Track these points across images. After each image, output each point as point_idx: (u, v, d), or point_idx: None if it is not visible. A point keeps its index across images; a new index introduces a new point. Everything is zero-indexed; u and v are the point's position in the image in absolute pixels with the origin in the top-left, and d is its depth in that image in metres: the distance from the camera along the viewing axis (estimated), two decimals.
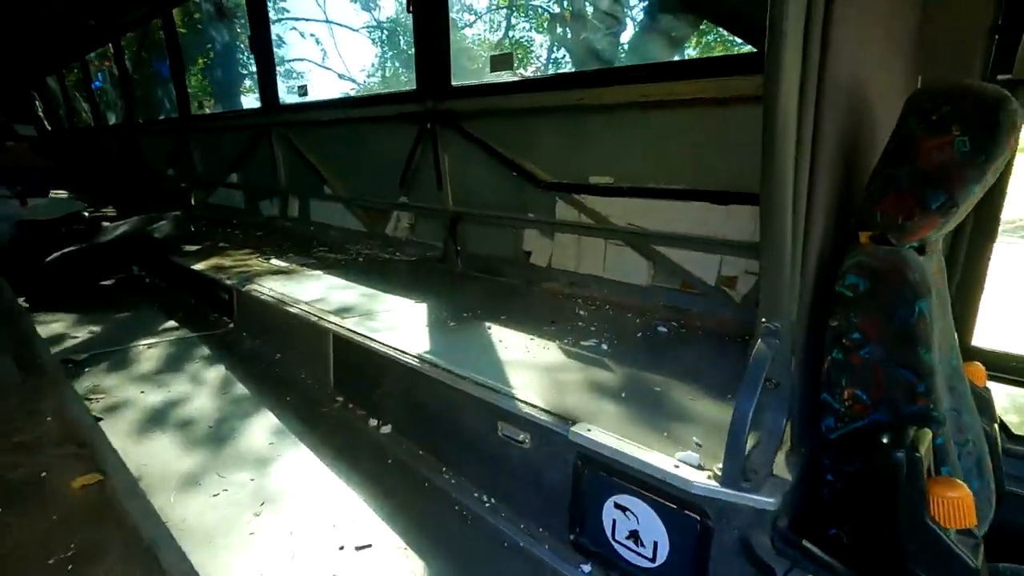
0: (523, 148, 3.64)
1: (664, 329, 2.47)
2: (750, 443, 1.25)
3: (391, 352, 2.05)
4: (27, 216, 4.34)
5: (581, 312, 2.71)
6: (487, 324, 2.42)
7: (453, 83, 3.99)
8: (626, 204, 3.11)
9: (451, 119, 3.97)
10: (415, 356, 2.00)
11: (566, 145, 3.40)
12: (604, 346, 2.18)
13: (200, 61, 13.95)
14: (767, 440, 1.30)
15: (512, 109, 3.59)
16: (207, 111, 9.93)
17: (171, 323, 3.08)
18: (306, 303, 2.67)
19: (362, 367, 2.22)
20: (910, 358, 1.12)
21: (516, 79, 3.68)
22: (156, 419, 2.07)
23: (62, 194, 9.10)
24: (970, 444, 1.44)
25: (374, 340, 2.16)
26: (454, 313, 2.60)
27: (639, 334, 2.38)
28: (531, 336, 2.27)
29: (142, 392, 2.26)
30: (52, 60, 12.04)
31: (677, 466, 1.31)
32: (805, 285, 1.27)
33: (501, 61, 3.68)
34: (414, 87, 4.25)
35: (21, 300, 3.34)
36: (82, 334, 2.84)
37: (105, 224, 4.19)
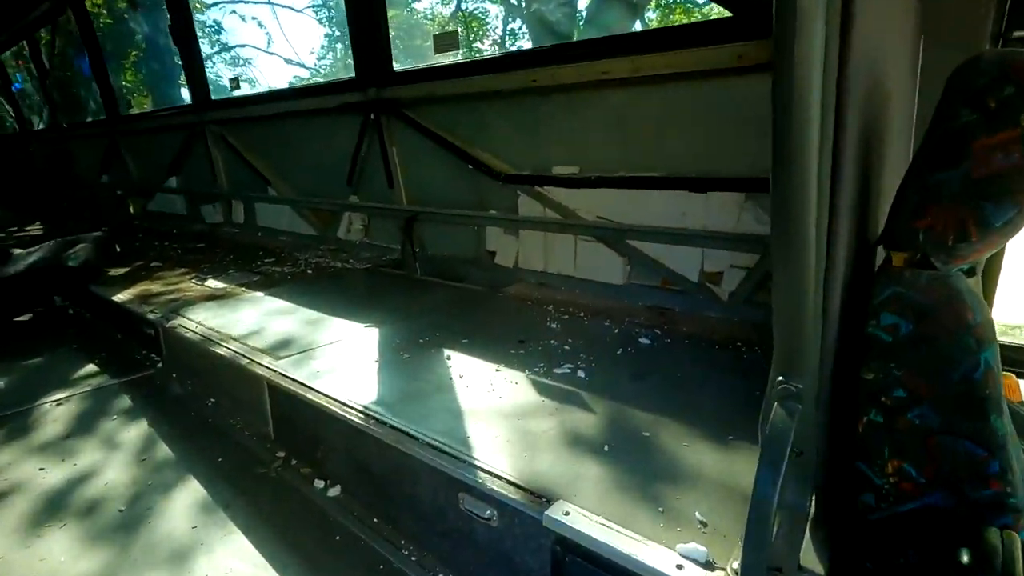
0: (477, 137, 3.28)
1: (647, 340, 2.19)
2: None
3: (331, 405, 1.73)
4: None
5: (553, 324, 2.42)
6: (446, 352, 2.11)
7: (396, 68, 3.60)
8: (594, 196, 2.81)
9: (396, 108, 3.58)
10: (359, 410, 1.69)
11: (523, 133, 3.06)
12: (581, 373, 1.89)
13: (132, 54, 13.00)
14: (790, 522, 1.04)
15: (461, 94, 3.23)
16: (145, 108, 9.18)
17: (90, 367, 2.69)
18: (237, 339, 2.32)
19: (303, 419, 1.90)
20: (977, 427, 0.86)
21: (461, 61, 3.30)
22: (54, 507, 1.73)
23: None
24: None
25: (312, 390, 1.84)
26: (409, 338, 2.28)
27: (619, 350, 2.10)
28: (497, 366, 1.97)
29: (41, 469, 1.91)
30: None
31: (681, 566, 1.04)
32: (828, 325, 1.00)
33: (445, 41, 3.30)
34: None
35: None
36: None
37: (16, 251, 3.71)
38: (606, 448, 1.44)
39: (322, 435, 1.83)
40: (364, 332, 2.39)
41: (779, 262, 0.98)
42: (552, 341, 2.20)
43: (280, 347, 2.24)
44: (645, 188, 2.63)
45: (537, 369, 1.94)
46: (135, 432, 2.15)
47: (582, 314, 2.56)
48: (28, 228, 6.25)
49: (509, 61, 3.03)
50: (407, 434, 1.53)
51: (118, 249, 3.90)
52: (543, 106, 2.93)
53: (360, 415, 1.66)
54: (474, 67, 3.17)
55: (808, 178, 0.88)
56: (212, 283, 3.35)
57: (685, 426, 1.53)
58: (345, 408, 1.71)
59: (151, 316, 2.72)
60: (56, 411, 2.29)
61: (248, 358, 2.13)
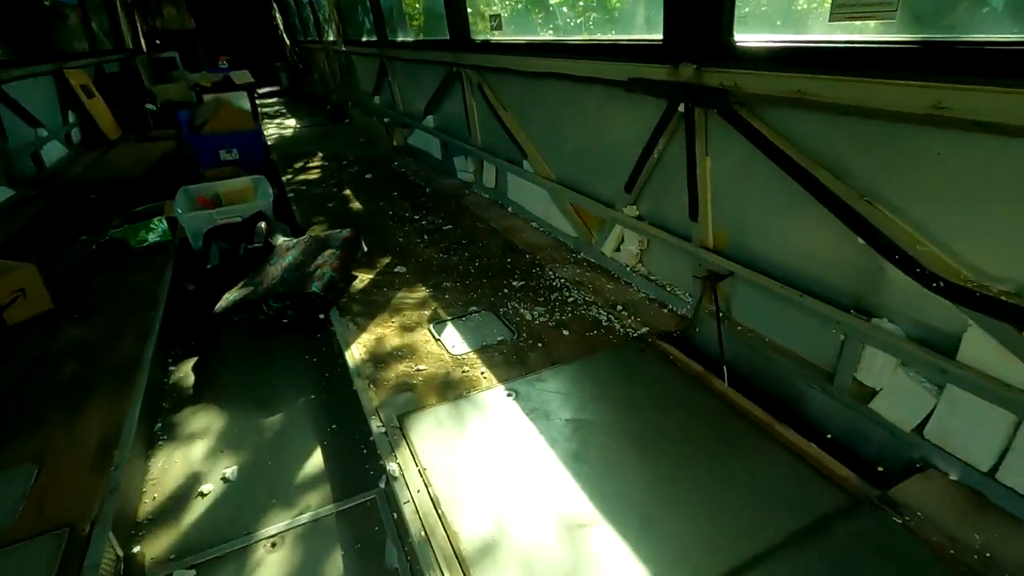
0: (889, 190, 1.77)
1: None
2: None
3: None
4: (218, 218, 3.96)
5: None
6: None
7: (736, 37, 2.15)
8: None
9: (725, 102, 2.19)
10: None
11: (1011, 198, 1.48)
12: None
13: None
14: None
15: (870, 110, 1.70)
16: (417, 24, 8.87)
17: (318, 464, 2.27)
18: (461, 561, 1.56)
19: None
20: None
21: (875, 40, 1.69)
22: None
23: (289, 123, 9.31)
24: None
25: None
26: None
27: None
28: None
29: None
30: None
31: None
32: None
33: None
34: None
35: (191, 367, 2.93)
36: (215, 475, 2.22)
37: (279, 242, 3.57)
38: None
39: None
40: None
41: None
42: None
43: None
44: None
45: None
46: None
47: None
48: (312, 158, 6.56)
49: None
50: None
51: (365, 249, 3.51)
52: None
53: None
54: (910, 55, 1.58)
55: None
56: (450, 338, 2.68)
57: None
58: None
59: (374, 426, 2.14)
60: (268, 560, 1.90)
61: None
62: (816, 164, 1.95)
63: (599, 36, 2.97)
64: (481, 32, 4.40)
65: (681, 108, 2.43)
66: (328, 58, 10.74)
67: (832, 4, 1.75)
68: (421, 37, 6.44)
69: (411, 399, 2.24)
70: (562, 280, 3.18)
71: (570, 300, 2.96)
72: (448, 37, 4.71)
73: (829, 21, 1.78)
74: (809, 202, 1.99)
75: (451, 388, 2.31)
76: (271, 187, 4.43)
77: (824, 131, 1.91)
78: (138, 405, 2.29)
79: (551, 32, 4.48)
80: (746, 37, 2.10)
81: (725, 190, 2.39)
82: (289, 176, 5.88)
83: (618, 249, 3.20)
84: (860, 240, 1.83)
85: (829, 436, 2.04)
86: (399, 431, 2.08)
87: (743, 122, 2.16)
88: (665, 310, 2.78)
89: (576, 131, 3.39)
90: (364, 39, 7.90)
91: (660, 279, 2.94)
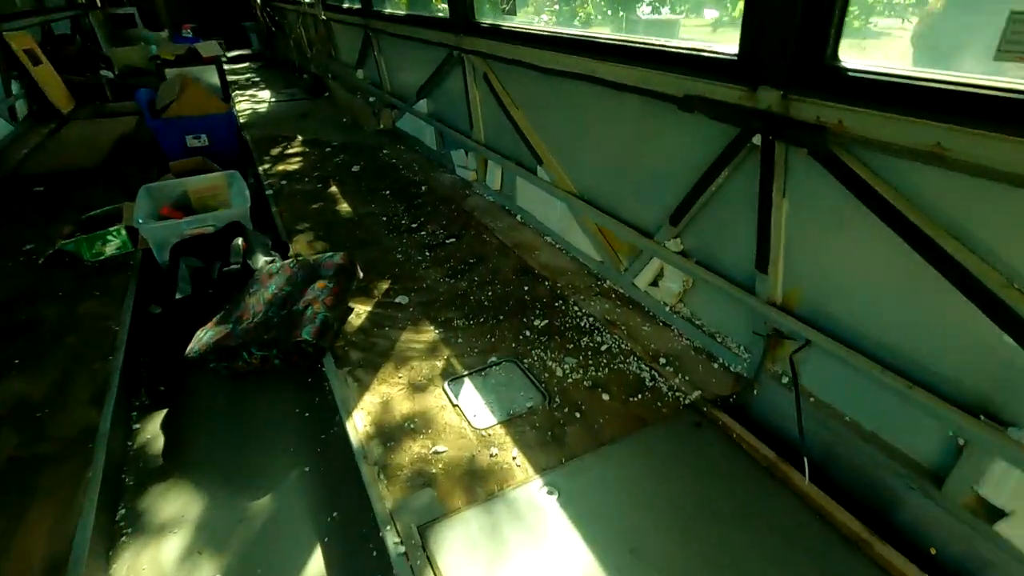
0: None
1: None
2: None
3: None
4: (185, 229, 3.42)
5: None
6: None
7: (844, 61, 1.72)
8: None
9: (818, 139, 1.78)
10: None
11: None
12: None
13: None
14: None
15: None
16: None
17: (319, 572, 1.90)
18: None
19: None
20: None
21: None
22: None
23: (263, 96, 8.53)
24: None
25: None
26: None
27: None
28: None
29: None
30: None
31: None
32: None
33: None
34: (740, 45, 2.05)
35: (160, 424, 2.49)
36: None
37: (260, 264, 3.08)
38: None
39: None
40: None
41: None
42: None
43: None
44: None
45: None
46: None
47: None
48: (291, 143, 5.94)
49: None
50: None
51: (360, 276, 3.05)
52: None
53: None
54: None
55: None
56: (469, 402, 2.28)
57: None
58: None
59: (391, 541, 1.75)
60: None
61: None
62: (946, 234, 1.57)
63: (644, 38, 2.50)
64: (488, 14, 3.85)
65: (757, 140, 2.01)
66: (304, 22, 9.87)
67: (1001, 39, 1.34)
68: (407, 7, 5.80)
69: (432, 500, 1.85)
70: (591, 319, 2.79)
71: (604, 348, 2.57)
72: (448, 15, 4.14)
73: (994, 59, 1.37)
74: (929, 276, 1.61)
75: (479, 481, 1.92)
76: (247, 181, 3.89)
77: (964, 196, 1.52)
78: (93, 507, 1.86)
79: None
80: (860, 62, 1.68)
81: (804, 241, 2.00)
82: (266, 166, 5.30)
83: (654, 283, 2.81)
84: (1007, 338, 1.47)
85: (933, 552, 1.73)
86: (421, 550, 1.70)
87: (844, 169, 1.75)
88: (715, 365, 2.42)
89: (607, 144, 2.94)
90: (346, 6, 7.15)
91: (707, 325, 2.57)
